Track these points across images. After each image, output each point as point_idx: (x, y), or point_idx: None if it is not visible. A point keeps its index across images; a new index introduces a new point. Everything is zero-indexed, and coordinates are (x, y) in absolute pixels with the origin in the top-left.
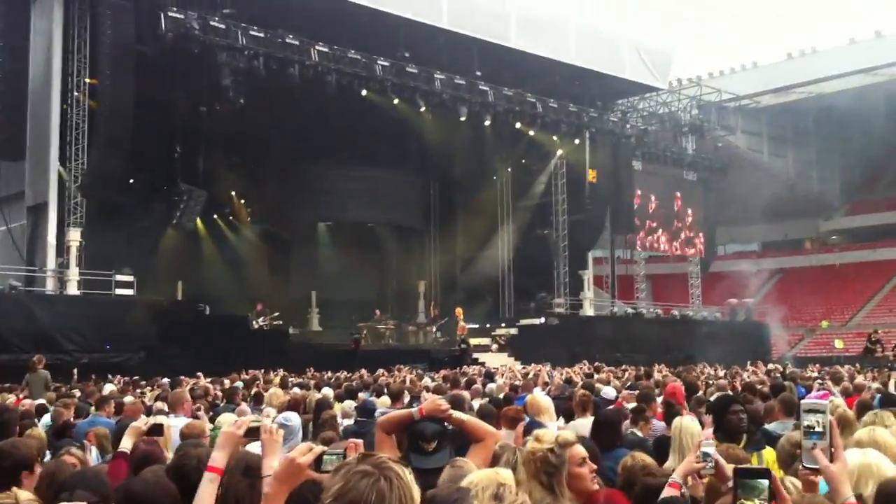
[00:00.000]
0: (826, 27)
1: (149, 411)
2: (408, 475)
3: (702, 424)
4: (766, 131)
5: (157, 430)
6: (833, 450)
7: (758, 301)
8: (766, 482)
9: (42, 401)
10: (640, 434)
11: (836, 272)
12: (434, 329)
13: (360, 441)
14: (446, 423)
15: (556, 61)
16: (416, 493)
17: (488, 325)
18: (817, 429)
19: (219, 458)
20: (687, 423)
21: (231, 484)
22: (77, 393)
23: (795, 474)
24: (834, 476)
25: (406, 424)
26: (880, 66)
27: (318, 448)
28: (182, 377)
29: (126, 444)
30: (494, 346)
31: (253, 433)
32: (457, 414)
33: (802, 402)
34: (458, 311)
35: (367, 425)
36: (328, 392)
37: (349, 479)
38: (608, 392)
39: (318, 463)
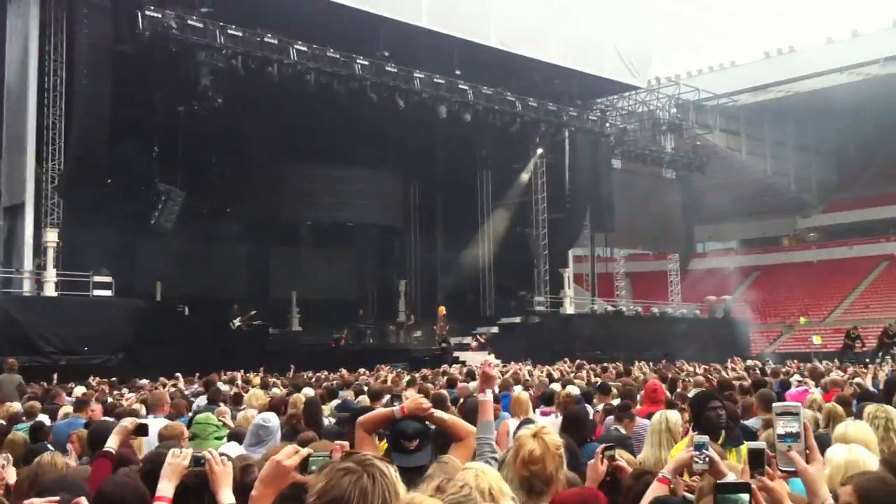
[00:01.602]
0: (804, 26)
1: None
2: (392, 472)
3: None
4: (744, 130)
5: (143, 430)
6: (808, 452)
7: (737, 298)
8: (746, 496)
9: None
10: (623, 431)
11: (813, 269)
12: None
13: (345, 443)
14: (428, 422)
15: (536, 60)
16: (402, 489)
17: (469, 324)
18: (792, 431)
19: (165, 489)
20: (669, 416)
21: None
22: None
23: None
24: (811, 478)
25: (387, 423)
26: (857, 66)
27: (305, 450)
28: (161, 378)
29: (112, 443)
30: (474, 344)
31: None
32: (438, 413)
33: (775, 405)
34: (441, 309)
35: (347, 425)
36: (310, 392)
37: (332, 477)
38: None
39: (304, 465)
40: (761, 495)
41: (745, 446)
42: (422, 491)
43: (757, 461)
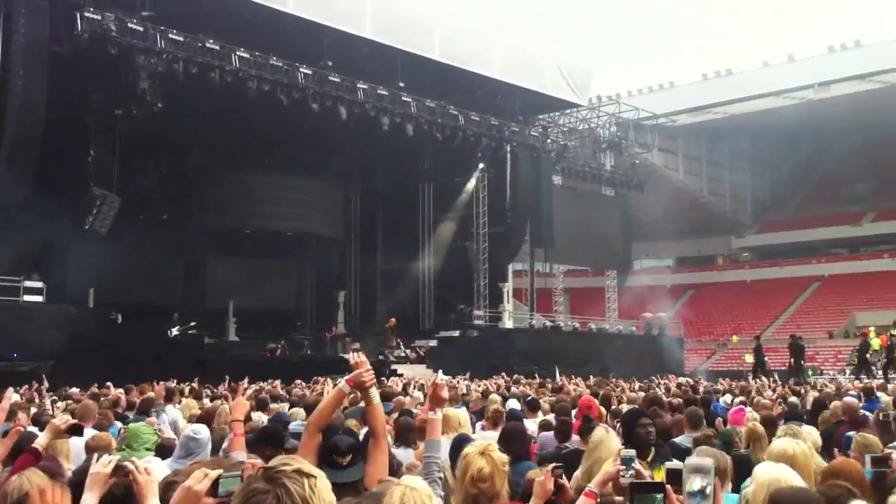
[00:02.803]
0: (741, 50)
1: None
2: (310, 483)
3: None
4: (682, 150)
5: (77, 430)
6: None
7: (672, 315)
8: (660, 496)
9: None
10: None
11: (747, 288)
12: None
13: (257, 461)
14: (359, 437)
15: (479, 75)
16: (319, 498)
17: (408, 337)
18: (703, 491)
19: (90, 500)
20: (605, 433)
21: None
22: None
23: None
24: None
25: (340, 404)
26: (791, 90)
27: (213, 473)
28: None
29: (41, 440)
30: (413, 356)
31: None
32: (374, 392)
33: (688, 461)
34: (392, 321)
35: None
36: None
37: (245, 498)
38: (511, 404)
39: (214, 488)
40: None
41: (665, 466)
42: None
43: (676, 480)
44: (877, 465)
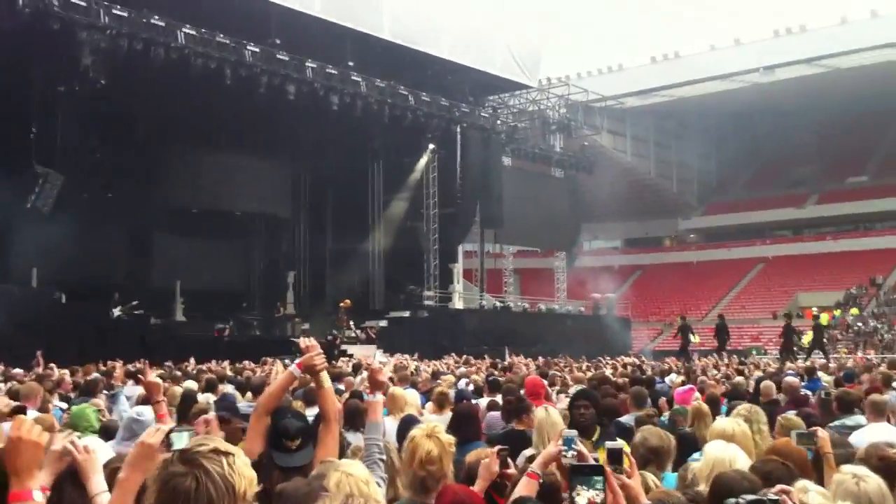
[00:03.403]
0: (689, 33)
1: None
2: (228, 461)
3: None
4: (630, 132)
5: (21, 411)
6: None
7: (619, 296)
8: (600, 478)
9: None
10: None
11: (693, 269)
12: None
13: (210, 416)
14: (307, 420)
15: (429, 55)
16: (242, 479)
17: (358, 317)
18: (594, 500)
19: (43, 478)
20: (551, 413)
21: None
22: None
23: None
24: None
25: (289, 387)
26: (738, 73)
27: (165, 426)
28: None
29: None
30: (363, 336)
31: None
32: (324, 376)
33: (574, 466)
34: (347, 302)
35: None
36: (192, 384)
37: (163, 482)
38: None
39: (168, 442)
40: (620, 493)
41: (605, 445)
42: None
43: (616, 459)
44: (803, 443)
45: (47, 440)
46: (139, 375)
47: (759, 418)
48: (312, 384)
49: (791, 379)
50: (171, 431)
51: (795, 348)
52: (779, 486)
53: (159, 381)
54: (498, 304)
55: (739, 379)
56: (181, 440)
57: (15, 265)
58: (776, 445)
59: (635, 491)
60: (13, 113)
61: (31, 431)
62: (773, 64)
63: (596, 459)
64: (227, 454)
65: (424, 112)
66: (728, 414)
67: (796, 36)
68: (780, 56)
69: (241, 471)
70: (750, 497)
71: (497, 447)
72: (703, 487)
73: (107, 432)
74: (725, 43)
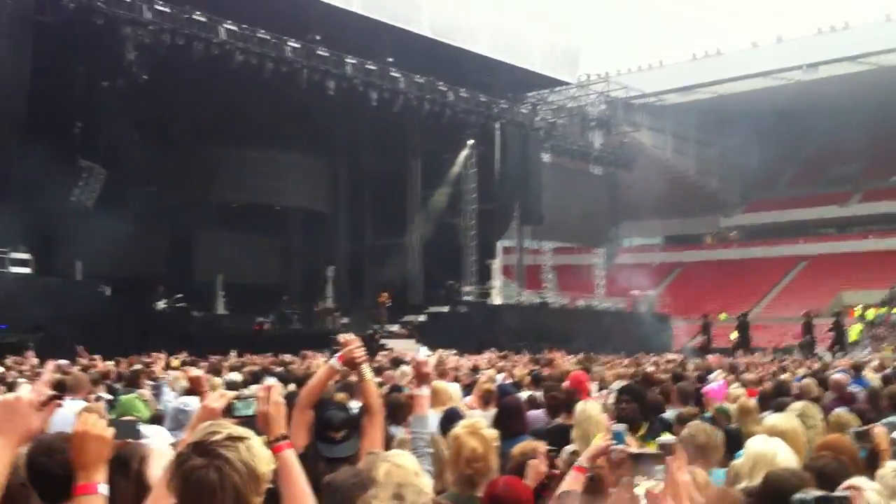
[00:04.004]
0: (730, 30)
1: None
2: (246, 445)
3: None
4: (671, 129)
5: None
6: None
7: (659, 293)
8: (661, 467)
9: None
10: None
11: (734, 267)
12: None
13: (274, 382)
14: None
15: (468, 51)
16: (261, 462)
17: (397, 312)
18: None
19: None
20: (591, 408)
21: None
22: None
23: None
24: None
25: (331, 380)
26: (780, 70)
27: (230, 393)
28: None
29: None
30: (402, 331)
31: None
32: (366, 368)
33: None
34: (384, 295)
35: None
36: (235, 376)
37: (184, 477)
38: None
39: (229, 409)
40: (680, 483)
41: (657, 441)
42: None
43: (668, 453)
44: (860, 440)
45: (112, 433)
46: (184, 369)
47: (814, 415)
48: (352, 377)
49: (839, 376)
50: (235, 398)
51: (836, 346)
52: (848, 482)
53: (201, 372)
54: (536, 300)
55: (785, 376)
56: (246, 407)
57: (60, 259)
58: (828, 441)
59: (685, 484)
60: (57, 107)
61: (96, 425)
62: (816, 61)
63: None
64: (242, 439)
65: (463, 108)
66: (777, 410)
67: (839, 33)
68: (824, 53)
69: (259, 453)
70: (817, 493)
71: (545, 447)
72: (745, 484)
73: (155, 422)
74: (768, 40)
